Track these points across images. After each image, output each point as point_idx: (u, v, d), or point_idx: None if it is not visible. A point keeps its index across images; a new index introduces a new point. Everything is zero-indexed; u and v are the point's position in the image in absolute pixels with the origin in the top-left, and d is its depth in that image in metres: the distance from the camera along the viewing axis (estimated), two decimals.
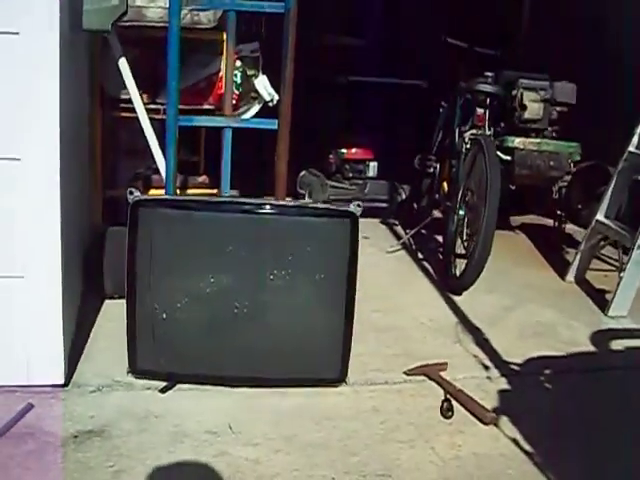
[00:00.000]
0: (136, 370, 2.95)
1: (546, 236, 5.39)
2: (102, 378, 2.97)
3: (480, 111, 4.49)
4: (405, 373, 3.18)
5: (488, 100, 4.51)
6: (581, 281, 4.49)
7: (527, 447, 2.68)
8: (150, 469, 2.42)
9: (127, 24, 3.48)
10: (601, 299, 4.19)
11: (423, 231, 5.18)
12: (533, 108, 4.78)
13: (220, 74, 4.16)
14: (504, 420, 2.86)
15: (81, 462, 2.45)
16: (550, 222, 5.54)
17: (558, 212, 5.25)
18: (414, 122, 6.08)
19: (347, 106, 6.08)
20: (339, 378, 3.00)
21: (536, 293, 4.26)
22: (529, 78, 4.86)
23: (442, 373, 3.15)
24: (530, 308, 4.02)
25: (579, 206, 5.11)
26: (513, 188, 4.88)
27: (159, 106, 4.00)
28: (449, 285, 4.20)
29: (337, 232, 2.87)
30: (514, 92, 4.79)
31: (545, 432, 2.79)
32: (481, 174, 4.04)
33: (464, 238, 4.21)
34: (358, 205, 2.87)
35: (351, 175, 5.60)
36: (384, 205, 5.59)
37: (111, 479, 2.36)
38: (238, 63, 4.28)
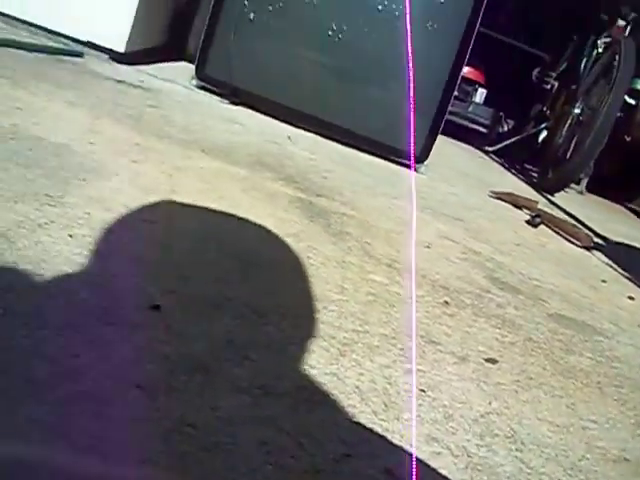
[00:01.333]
0: (202, 76, 2.57)
1: None
2: (163, 75, 2.62)
3: (621, 23, 3.96)
4: (491, 193, 2.72)
5: (632, 15, 4.00)
6: None
7: (620, 272, 2.20)
8: (190, 120, 2.04)
9: None
10: None
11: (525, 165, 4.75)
12: None
13: None
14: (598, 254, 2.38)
15: (120, 90, 2.08)
16: None
17: None
18: (528, 87, 5.67)
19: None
20: (419, 157, 2.57)
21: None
22: None
23: None
24: (628, 229, 3.51)
25: None
26: (628, 140, 4.38)
27: None
28: (544, 184, 3.72)
29: None
30: None
31: None
32: (610, 73, 3.57)
33: (574, 138, 3.73)
34: None
35: (457, 94, 5.19)
36: (483, 131, 5.15)
37: (146, 106, 1.98)
38: None
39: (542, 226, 2.45)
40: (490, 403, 0.93)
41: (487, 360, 1.07)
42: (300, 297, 1.03)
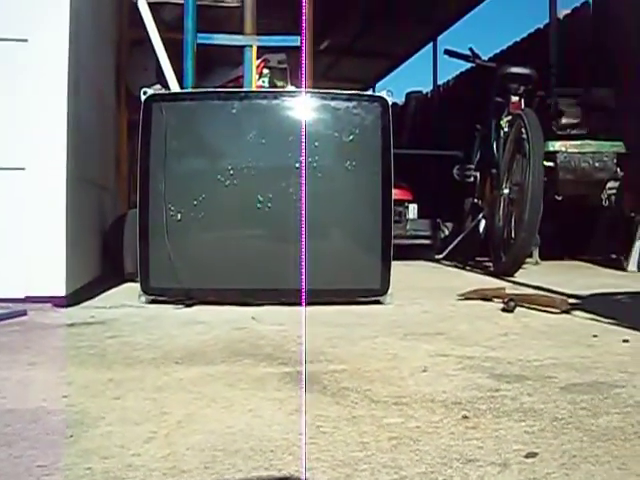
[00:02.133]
0: (149, 289, 2.61)
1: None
2: (110, 303, 2.64)
3: (515, 99, 4.28)
4: (459, 296, 2.75)
5: (522, 88, 4.31)
6: None
7: (605, 322, 2.22)
8: (153, 337, 2.03)
9: None
10: None
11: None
12: (570, 112, 4.60)
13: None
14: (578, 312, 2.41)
15: (74, 334, 2.08)
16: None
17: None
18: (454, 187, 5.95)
19: None
20: (380, 289, 2.59)
21: (600, 277, 3.83)
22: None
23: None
24: (592, 281, 3.58)
25: (632, 213, 4.70)
26: (560, 199, 4.58)
27: None
28: (501, 269, 3.81)
29: (366, 117, 2.61)
30: (549, 100, 4.65)
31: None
32: (523, 147, 3.79)
33: (513, 219, 3.87)
34: (389, 91, 2.64)
35: None
36: (427, 242, 5.30)
37: (105, 339, 1.97)
38: (266, 71, 4.26)
39: (518, 308, 2.47)
40: None
41: (527, 456, 1.04)
42: (326, 471, 0.99)
